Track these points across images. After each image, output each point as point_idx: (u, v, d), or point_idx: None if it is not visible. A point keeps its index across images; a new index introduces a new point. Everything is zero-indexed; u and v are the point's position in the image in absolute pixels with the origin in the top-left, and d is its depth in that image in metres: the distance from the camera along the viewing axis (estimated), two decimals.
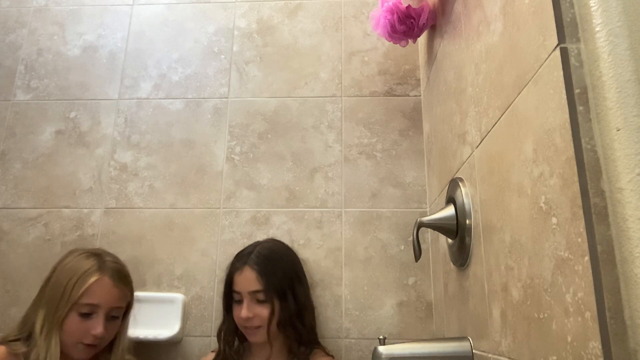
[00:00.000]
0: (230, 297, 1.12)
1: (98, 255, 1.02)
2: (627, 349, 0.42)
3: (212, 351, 1.17)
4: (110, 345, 1.03)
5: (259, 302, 1.07)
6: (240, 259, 1.12)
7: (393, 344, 0.90)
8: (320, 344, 1.15)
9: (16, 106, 1.48)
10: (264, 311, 1.07)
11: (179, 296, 1.27)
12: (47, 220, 1.37)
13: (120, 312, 1.03)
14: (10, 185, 1.40)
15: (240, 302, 1.09)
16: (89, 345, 0.97)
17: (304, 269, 1.22)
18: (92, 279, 0.96)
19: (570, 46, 0.50)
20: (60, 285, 0.96)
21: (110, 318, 0.99)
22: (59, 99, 1.49)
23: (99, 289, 0.97)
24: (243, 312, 1.07)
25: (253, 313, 1.06)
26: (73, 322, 0.95)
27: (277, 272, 1.10)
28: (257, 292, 1.07)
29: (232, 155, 1.40)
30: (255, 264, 1.09)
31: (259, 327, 1.07)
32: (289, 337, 1.10)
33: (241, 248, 1.19)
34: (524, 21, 0.61)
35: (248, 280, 1.08)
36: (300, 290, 1.13)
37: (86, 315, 0.96)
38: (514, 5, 0.65)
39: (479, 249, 0.80)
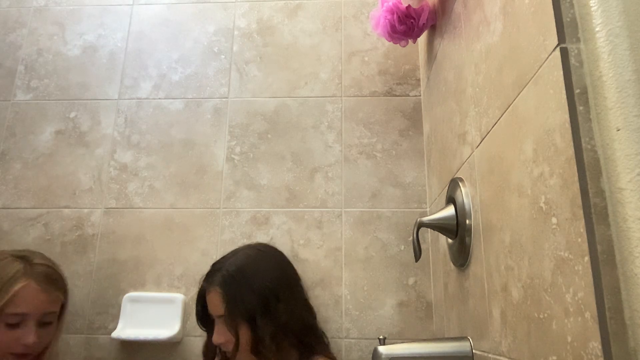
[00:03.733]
0: (206, 314, 1.04)
1: (24, 258, 0.94)
2: (627, 349, 0.42)
3: None
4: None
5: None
6: (210, 276, 1.03)
7: (393, 344, 0.90)
8: (327, 351, 1.07)
9: (16, 106, 1.48)
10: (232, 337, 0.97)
11: (179, 296, 1.27)
12: (47, 220, 1.37)
13: (54, 317, 0.95)
14: (10, 185, 1.40)
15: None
16: (20, 355, 0.89)
17: (298, 273, 1.14)
18: (17, 286, 0.88)
19: (570, 46, 0.50)
20: None
21: (42, 324, 0.91)
22: (59, 99, 1.49)
23: (25, 296, 0.89)
24: (214, 337, 0.99)
25: (224, 338, 0.97)
26: (0, 332, 0.87)
27: (245, 294, 0.97)
28: (222, 316, 0.98)
29: (232, 155, 1.40)
30: (219, 285, 0.99)
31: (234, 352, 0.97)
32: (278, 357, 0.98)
33: None
34: (524, 21, 0.61)
35: (214, 304, 0.99)
36: (280, 308, 0.99)
37: (14, 325, 0.88)
38: (514, 5, 0.65)
39: (479, 249, 0.80)
